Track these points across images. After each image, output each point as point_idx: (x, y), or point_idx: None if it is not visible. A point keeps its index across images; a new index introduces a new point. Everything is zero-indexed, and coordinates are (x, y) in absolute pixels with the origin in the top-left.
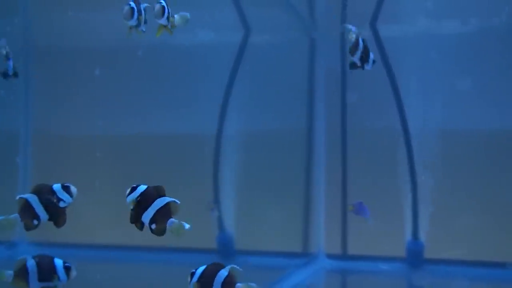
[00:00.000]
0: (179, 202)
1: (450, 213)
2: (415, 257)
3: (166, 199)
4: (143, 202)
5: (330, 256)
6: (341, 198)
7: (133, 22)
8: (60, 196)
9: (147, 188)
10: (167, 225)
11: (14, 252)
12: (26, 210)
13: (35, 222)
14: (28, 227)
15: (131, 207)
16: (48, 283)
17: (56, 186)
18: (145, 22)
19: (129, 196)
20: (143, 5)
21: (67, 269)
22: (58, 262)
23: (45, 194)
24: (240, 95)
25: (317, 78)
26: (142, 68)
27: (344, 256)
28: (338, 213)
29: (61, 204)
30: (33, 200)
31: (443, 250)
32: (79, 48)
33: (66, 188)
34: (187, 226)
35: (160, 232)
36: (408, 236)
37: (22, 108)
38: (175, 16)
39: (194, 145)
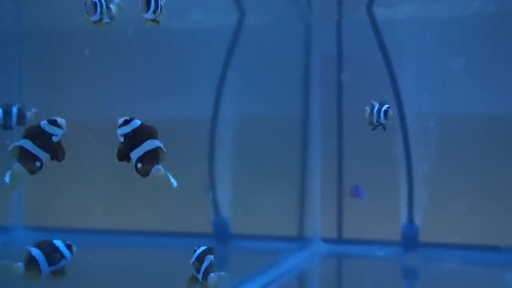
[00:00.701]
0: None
1: (445, 197)
2: (410, 241)
3: (157, 143)
4: (133, 140)
5: (325, 240)
6: (337, 183)
7: (96, 17)
8: (51, 131)
9: (140, 125)
10: (153, 170)
11: (9, 237)
12: (25, 155)
13: (37, 164)
14: (32, 171)
15: (121, 141)
16: (57, 265)
17: (43, 123)
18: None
19: (120, 129)
20: None
21: (68, 247)
22: (59, 243)
23: (36, 134)
24: (235, 79)
25: (313, 62)
26: (135, 52)
27: (339, 240)
28: (333, 198)
29: (54, 139)
30: (28, 144)
31: (438, 233)
32: (71, 32)
33: (53, 123)
34: (173, 182)
35: (145, 173)
36: (403, 220)
37: (15, 92)
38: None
39: (190, 129)
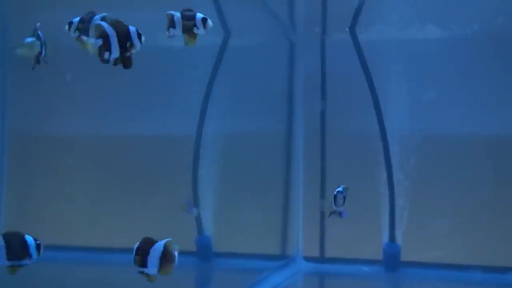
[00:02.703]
0: None
1: (427, 216)
2: (391, 260)
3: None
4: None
5: (307, 259)
6: (319, 201)
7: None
8: (136, 42)
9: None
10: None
11: None
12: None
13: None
14: (102, 60)
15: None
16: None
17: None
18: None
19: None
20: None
21: (38, 246)
22: (30, 239)
23: (122, 32)
24: (220, 97)
25: (297, 81)
26: (120, 69)
27: (321, 258)
28: (316, 216)
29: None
30: (112, 33)
31: (419, 252)
32: (57, 47)
33: (140, 36)
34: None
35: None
36: (385, 238)
37: None
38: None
39: (173, 147)
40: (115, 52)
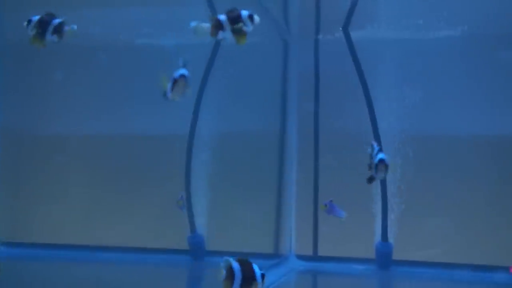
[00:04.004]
0: None
1: (419, 215)
2: (384, 259)
3: None
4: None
5: (300, 257)
6: (313, 200)
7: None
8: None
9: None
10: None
11: None
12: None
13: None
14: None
15: None
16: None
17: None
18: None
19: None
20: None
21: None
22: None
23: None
24: (213, 95)
25: (290, 80)
26: (114, 67)
27: (314, 257)
28: (309, 215)
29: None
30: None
31: (412, 252)
32: (48, 46)
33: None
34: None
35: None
36: (377, 237)
37: None
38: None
39: (167, 145)
40: None
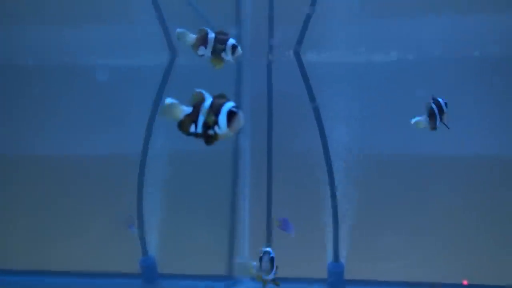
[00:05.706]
0: None
1: (370, 235)
2: (335, 279)
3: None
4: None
5: (255, 279)
6: (266, 221)
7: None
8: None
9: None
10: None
11: None
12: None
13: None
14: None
15: None
16: None
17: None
18: None
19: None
20: None
21: None
22: None
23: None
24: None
25: (243, 100)
26: (66, 87)
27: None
28: (262, 236)
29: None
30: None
31: (363, 271)
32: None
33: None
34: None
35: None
36: (329, 257)
37: None
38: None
39: (119, 165)
40: None
